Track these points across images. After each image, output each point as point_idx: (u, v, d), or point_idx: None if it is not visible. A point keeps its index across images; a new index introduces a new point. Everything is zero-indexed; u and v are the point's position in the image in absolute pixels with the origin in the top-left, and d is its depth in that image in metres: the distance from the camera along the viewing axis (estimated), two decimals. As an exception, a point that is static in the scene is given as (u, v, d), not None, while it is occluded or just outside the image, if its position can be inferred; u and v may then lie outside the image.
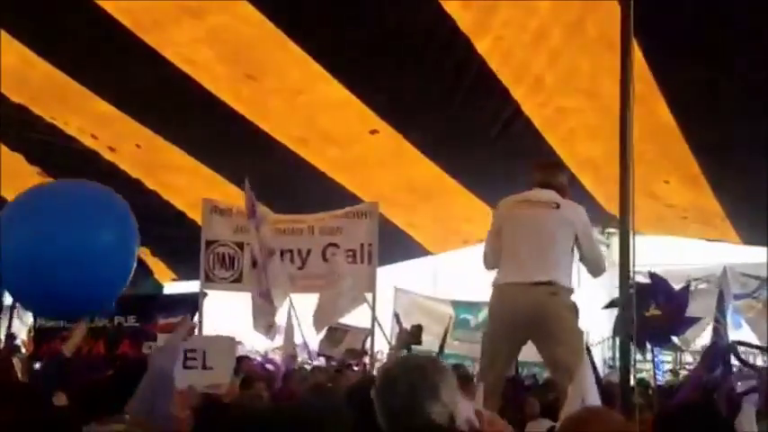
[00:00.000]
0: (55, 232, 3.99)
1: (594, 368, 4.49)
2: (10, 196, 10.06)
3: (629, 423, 2.46)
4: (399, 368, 2.41)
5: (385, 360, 10.74)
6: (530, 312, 4.34)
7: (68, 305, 4.17)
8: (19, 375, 5.18)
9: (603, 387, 4.16)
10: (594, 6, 5.43)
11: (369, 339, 8.41)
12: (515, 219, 4.55)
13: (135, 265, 4.56)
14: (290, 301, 7.89)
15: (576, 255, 4.63)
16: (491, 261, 4.70)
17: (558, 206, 4.50)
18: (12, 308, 7.96)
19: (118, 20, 6.12)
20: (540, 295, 4.33)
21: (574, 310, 4.46)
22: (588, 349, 4.05)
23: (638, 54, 4.87)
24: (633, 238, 4.04)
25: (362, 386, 2.98)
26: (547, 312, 4.33)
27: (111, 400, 3.24)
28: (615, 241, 14.51)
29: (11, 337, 10.74)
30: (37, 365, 5.66)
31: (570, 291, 4.46)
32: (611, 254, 15.00)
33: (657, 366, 7.80)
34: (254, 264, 7.04)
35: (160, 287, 9.79)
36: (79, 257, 3.96)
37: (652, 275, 5.80)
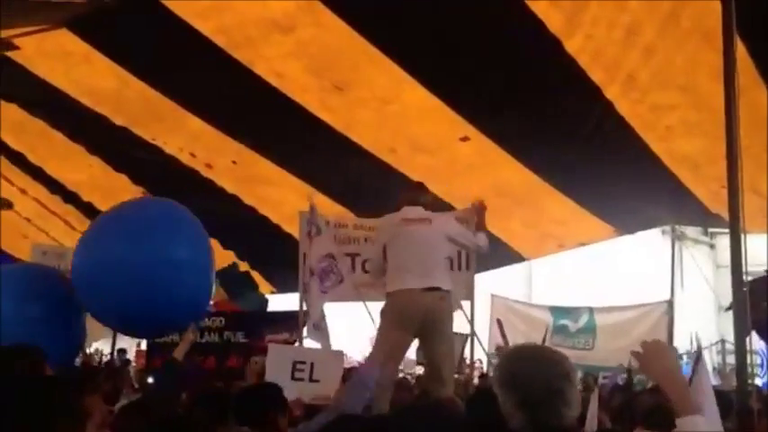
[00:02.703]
0: (128, 255, 4.05)
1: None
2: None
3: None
4: (529, 360, 2.23)
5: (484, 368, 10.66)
6: (421, 315, 4.98)
7: (152, 325, 4.27)
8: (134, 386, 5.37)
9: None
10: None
11: (467, 346, 8.35)
12: (398, 236, 5.20)
13: (213, 281, 4.64)
14: None
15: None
16: (375, 274, 5.48)
17: (430, 221, 5.25)
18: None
19: (211, 39, 6.33)
20: (431, 300, 4.99)
21: (452, 310, 5.23)
22: (700, 354, 3.95)
23: (740, 46, 4.67)
24: (745, 240, 3.90)
25: (482, 396, 2.98)
26: (436, 315, 5.00)
27: (241, 412, 3.36)
28: (720, 242, 14.02)
29: (121, 351, 11.22)
30: (150, 379, 5.87)
31: (449, 292, 5.12)
32: (717, 255, 14.49)
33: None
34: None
35: (265, 301, 10.01)
36: (155, 279, 4.02)
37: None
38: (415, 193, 5.44)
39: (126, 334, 5.30)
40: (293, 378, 4.25)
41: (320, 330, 6.94)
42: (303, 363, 4.30)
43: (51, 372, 2.99)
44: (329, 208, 7.60)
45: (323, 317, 6.90)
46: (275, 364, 4.39)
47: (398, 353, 5.25)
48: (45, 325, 4.17)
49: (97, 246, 4.22)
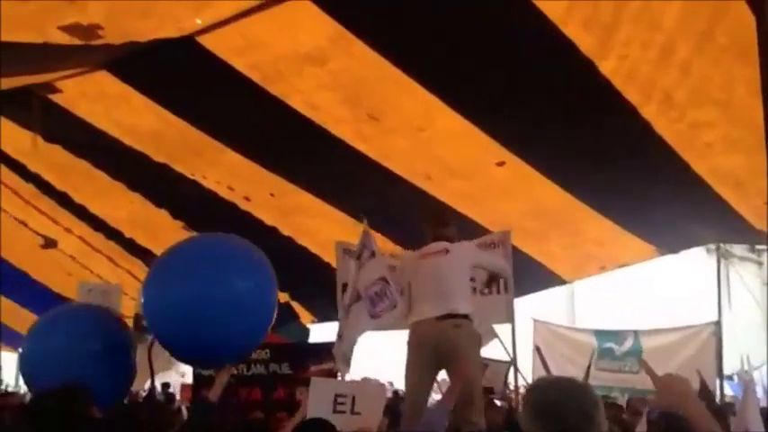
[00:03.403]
0: (200, 286, 4.10)
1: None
2: (159, 249, 10.75)
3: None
4: (561, 390, 2.26)
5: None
6: (434, 343, 5.12)
7: (216, 355, 4.30)
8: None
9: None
10: (722, 15, 5.18)
11: (510, 372, 8.26)
12: (417, 270, 5.48)
13: (275, 313, 4.68)
14: None
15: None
16: (404, 313, 5.56)
17: (447, 251, 5.41)
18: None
19: (246, 74, 6.43)
20: (444, 328, 5.12)
21: (476, 338, 5.28)
22: (750, 379, 3.87)
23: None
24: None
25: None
26: (451, 341, 5.10)
27: None
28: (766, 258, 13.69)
29: (166, 386, 11.33)
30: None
31: (471, 319, 5.22)
32: (765, 273, 14.18)
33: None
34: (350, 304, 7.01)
35: (307, 330, 10.05)
36: (225, 310, 4.06)
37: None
38: (440, 228, 5.63)
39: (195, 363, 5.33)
40: (335, 411, 4.24)
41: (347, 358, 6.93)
42: (344, 396, 4.29)
43: (98, 412, 3.00)
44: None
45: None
46: (317, 398, 4.39)
47: (419, 388, 5.31)
48: (98, 364, 4.20)
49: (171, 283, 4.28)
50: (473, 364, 5.21)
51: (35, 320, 4.69)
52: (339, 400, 4.26)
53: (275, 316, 4.54)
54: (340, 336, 6.83)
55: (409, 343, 5.32)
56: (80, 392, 3.09)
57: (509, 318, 7.48)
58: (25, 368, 4.41)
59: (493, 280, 5.91)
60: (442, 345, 5.10)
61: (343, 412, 4.23)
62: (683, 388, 2.33)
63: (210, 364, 4.51)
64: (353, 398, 4.29)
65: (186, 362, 5.02)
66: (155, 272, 4.33)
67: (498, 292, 7.42)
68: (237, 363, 4.57)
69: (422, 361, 5.21)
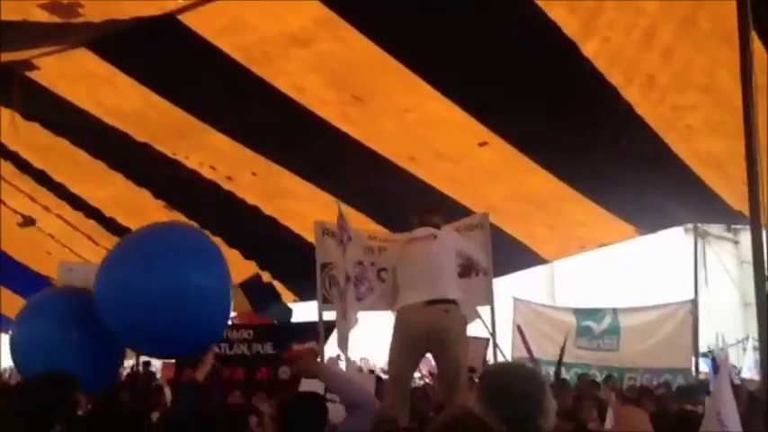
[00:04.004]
0: (151, 277, 4.10)
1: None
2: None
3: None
4: (509, 377, 2.36)
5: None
6: (426, 328, 5.20)
7: (170, 347, 4.31)
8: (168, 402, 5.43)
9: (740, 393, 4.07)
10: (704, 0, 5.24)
11: (489, 351, 8.34)
12: (404, 256, 5.55)
13: (231, 303, 4.71)
14: None
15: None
16: (390, 298, 5.66)
17: (435, 237, 5.54)
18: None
19: (231, 55, 6.38)
20: (434, 313, 5.20)
21: (464, 322, 5.42)
22: (726, 357, 3.98)
23: (757, 45, 4.67)
24: (766, 236, 3.94)
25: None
26: (441, 327, 5.20)
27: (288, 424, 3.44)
28: (744, 238, 13.91)
29: (147, 364, 11.31)
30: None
31: (456, 304, 5.32)
32: (741, 251, 14.39)
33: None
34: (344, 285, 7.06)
35: (289, 310, 10.06)
36: (177, 301, 4.06)
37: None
38: (426, 215, 5.76)
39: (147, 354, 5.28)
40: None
41: (346, 339, 6.98)
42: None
43: (84, 398, 3.01)
44: (351, 218, 7.62)
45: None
46: (308, 387, 4.48)
47: (405, 370, 5.47)
48: (83, 349, 4.20)
49: (117, 269, 4.26)
50: (461, 349, 5.33)
51: (23, 305, 4.69)
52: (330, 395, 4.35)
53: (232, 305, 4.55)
54: (341, 316, 6.91)
55: (397, 327, 5.39)
56: (66, 379, 3.10)
57: (489, 299, 7.55)
58: (14, 354, 4.41)
59: (466, 273, 5.94)
60: (432, 330, 5.19)
61: (335, 401, 4.31)
62: (641, 424, 2.52)
63: (168, 354, 4.48)
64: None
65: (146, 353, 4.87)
66: (108, 262, 4.32)
67: (477, 275, 7.49)
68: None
69: (411, 344, 5.30)
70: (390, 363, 5.53)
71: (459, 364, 5.23)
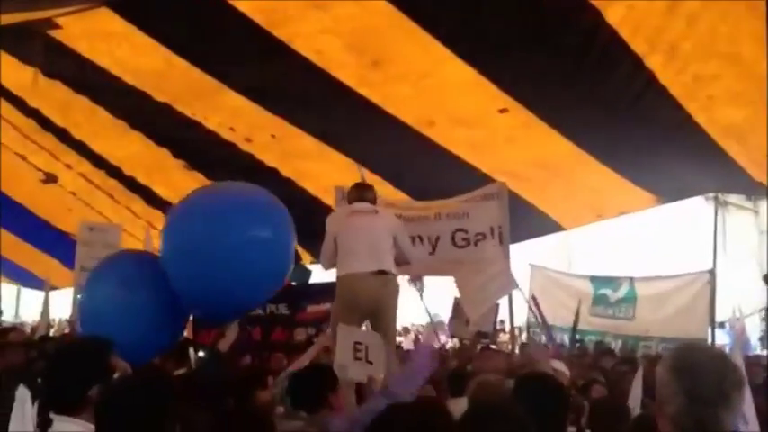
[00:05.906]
0: (217, 234, 4.14)
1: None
2: (159, 188, 10.75)
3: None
4: (715, 358, 2.18)
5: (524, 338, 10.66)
6: (368, 297, 5.56)
7: (231, 302, 4.35)
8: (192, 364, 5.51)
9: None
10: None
11: (500, 317, 8.38)
12: (348, 226, 5.85)
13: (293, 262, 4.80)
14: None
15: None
16: (328, 261, 5.96)
17: (376, 212, 6.01)
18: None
19: (251, 17, 6.37)
20: (378, 283, 5.60)
21: (398, 292, 5.81)
22: (741, 325, 3.96)
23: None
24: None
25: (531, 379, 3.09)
26: (383, 297, 5.63)
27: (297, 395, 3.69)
28: (765, 208, 13.77)
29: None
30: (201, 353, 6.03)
31: (395, 276, 5.77)
32: (760, 222, 14.25)
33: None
34: None
35: (308, 272, 10.14)
36: (241, 258, 4.12)
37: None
38: (362, 191, 6.19)
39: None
40: (355, 358, 4.50)
41: None
42: (361, 344, 4.54)
43: (122, 363, 3.03)
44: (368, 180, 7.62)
45: None
46: (342, 344, 4.63)
47: None
48: (147, 313, 4.25)
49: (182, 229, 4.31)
50: (395, 318, 5.87)
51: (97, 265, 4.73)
52: (358, 347, 4.47)
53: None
54: None
55: (340, 295, 5.73)
56: (101, 343, 3.10)
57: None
58: (81, 318, 4.52)
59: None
60: (375, 299, 5.59)
61: (360, 359, 4.44)
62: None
63: (226, 313, 4.53)
64: (367, 347, 4.50)
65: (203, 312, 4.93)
66: (174, 218, 4.38)
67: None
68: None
69: (356, 309, 5.60)
70: (335, 326, 5.57)
71: (393, 329, 5.94)
